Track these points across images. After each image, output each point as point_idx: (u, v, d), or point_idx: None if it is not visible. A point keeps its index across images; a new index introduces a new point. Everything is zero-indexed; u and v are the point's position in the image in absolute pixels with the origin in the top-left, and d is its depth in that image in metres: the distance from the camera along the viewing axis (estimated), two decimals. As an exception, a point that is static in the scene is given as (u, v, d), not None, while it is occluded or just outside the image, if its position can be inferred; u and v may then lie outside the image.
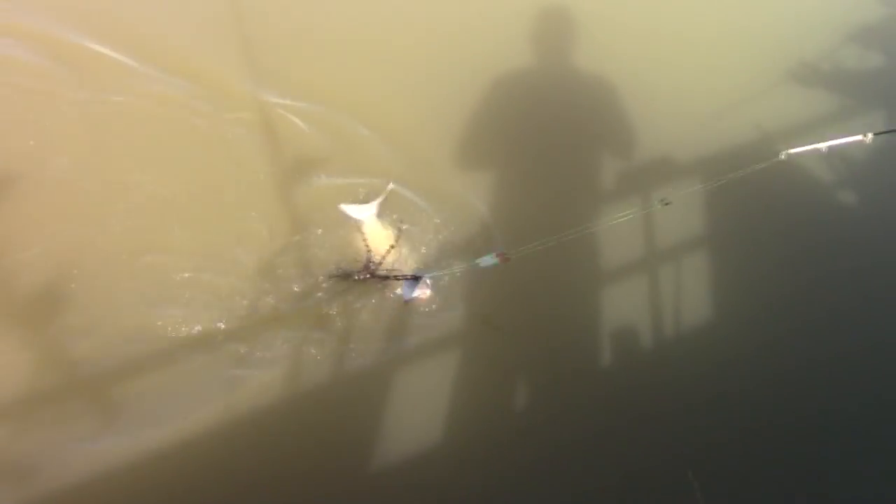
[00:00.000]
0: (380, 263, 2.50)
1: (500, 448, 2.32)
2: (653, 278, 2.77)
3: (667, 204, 2.16)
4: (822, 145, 1.99)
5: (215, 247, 2.50)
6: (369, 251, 2.54)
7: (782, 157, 2.09)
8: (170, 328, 2.28)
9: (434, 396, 2.37)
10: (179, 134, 2.76)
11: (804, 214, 3.11)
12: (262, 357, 2.30)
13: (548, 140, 3.16)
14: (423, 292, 2.44)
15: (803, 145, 2.01)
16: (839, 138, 1.96)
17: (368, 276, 2.47)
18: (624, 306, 2.69)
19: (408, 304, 2.46)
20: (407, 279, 2.43)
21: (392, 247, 2.55)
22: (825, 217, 3.13)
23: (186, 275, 2.39)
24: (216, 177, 2.69)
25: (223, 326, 2.32)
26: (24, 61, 2.76)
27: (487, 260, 2.21)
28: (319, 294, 2.46)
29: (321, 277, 2.49)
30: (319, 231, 2.61)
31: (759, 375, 2.61)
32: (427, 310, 2.51)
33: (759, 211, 3.06)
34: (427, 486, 2.22)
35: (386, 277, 2.46)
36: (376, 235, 2.61)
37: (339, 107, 2.94)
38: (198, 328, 2.30)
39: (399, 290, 2.49)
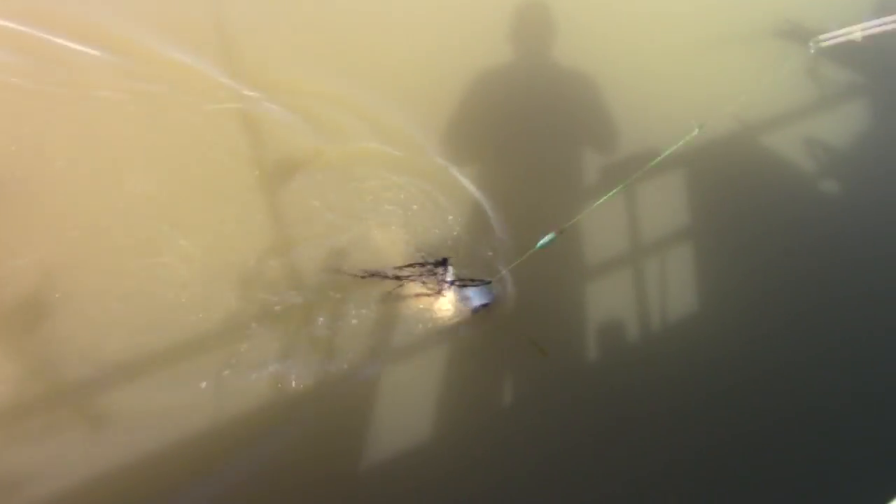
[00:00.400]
0: (442, 267, 2.35)
1: (496, 451, 2.27)
2: (645, 275, 2.71)
3: (701, 127, 2.06)
4: (856, 29, 1.90)
5: (211, 249, 2.39)
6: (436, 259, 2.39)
7: (811, 49, 2.00)
8: (159, 336, 2.22)
9: (427, 398, 2.30)
10: (169, 130, 2.65)
11: (798, 210, 3.06)
12: (257, 363, 2.24)
13: (550, 126, 3.06)
14: (491, 298, 2.30)
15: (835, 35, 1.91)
16: (875, 21, 1.87)
17: (444, 280, 2.33)
18: (621, 304, 2.62)
19: (477, 312, 2.31)
20: (476, 285, 2.28)
21: (447, 259, 2.38)
22: (817, 213, 3.09)
23: (179, 278, 2.32)
24: (211, 174, 2.58)
25: (217, 332, 2.25)
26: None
27: (547, 238, 2.07)
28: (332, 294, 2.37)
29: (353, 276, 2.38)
30: (340, 232, 2.49)
31: (758, 370, 2.58)
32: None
33: (750, 208, 3.00)
34: (424, 489, 2.19)
35: (453, 282, 2.31)
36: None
37: (334, 99, 2.84)
38: (189, 334, 2.24)
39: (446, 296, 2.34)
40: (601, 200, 2.09)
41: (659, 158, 2.12)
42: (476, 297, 2.30)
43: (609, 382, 2.44)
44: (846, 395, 2.58)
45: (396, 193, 2.65)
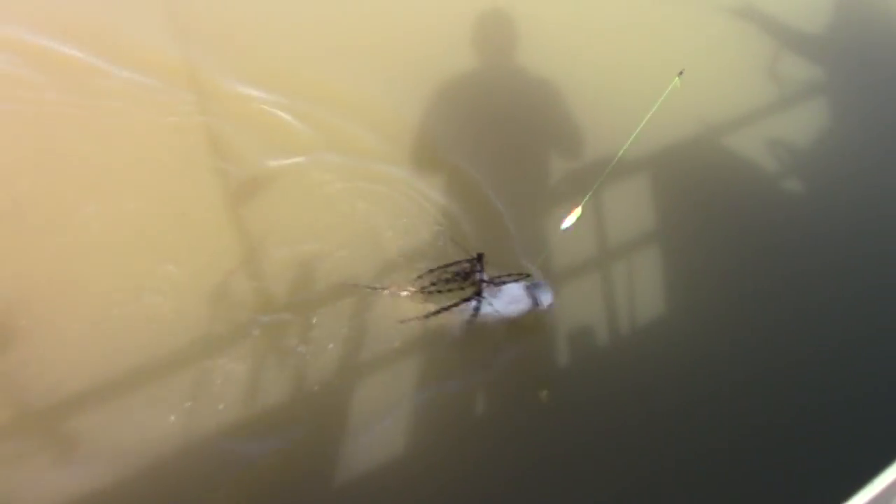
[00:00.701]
0: (474, 269, 2.23)
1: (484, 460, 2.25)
2: (617, 282, 2.69)
3: (681, 75, 2.14)
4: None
5: (186, 271, 2.35)
6: (477, 259, 2.27)
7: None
8: (128, 362, 2.20)
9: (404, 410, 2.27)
10: (132, 145, 2.59)
11: (771, 213, 3.05)
12: (236, 389, 2.21)
13: (532, 127, 3.12)
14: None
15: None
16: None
17: (482, 281, 2.23)
18: (596, 312, 2.60)
19: (549, 309, 2.28)
20: (515, 280, 2.24)
21: (482, 255, 2.29)
22: (791, 215, 3.07)
23: (150, 302, 2.29)
24: (182, 190, 2.53)
25: (191, 358, 2.23)
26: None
27: (570, 219, 2.14)
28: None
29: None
30: (329, 244, 2.46)
31: (740, 374, 2.56)
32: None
33: (724, 209, 3.01)
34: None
35: (491, 281, 2.22)
36: None
37: (317, 99, 2.83)
38: (161, 359, 2.21)
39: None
40: (607, 170, 2.17)
41: (648, 115, 2.18)
42: (543, 294, 2.21)
43: (584, 392, 2.42)
44: (825, 394, 2.54)
45: (380, 200, 2.62)
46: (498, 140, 3.03)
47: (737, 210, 3.04)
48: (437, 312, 2.33)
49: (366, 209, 2.62)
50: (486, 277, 2.25)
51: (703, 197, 3.05)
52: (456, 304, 2.28)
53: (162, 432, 2.12)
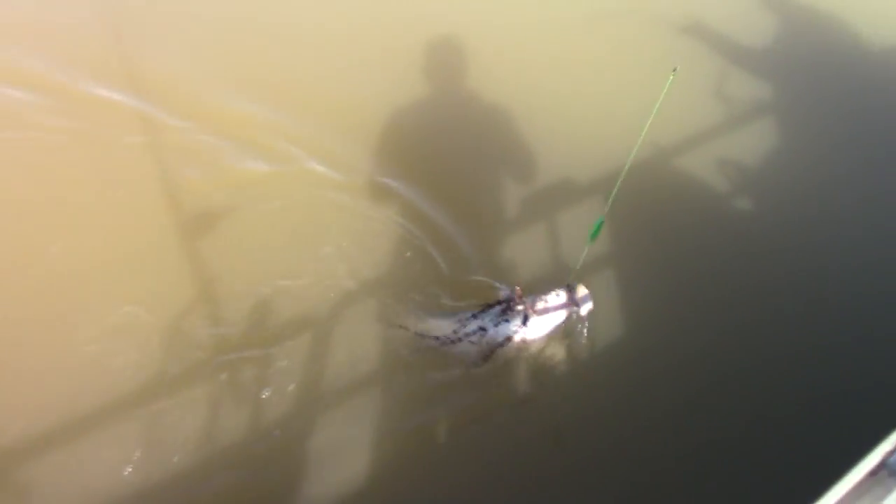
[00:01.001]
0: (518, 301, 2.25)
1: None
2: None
3: (675, 70, 2.16)
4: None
5: (154, 304, 2.28)
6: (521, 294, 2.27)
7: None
8: (83, 401, 2.11)
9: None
10: (89, 169, 2.56)
11: (717, 231, 3.10)
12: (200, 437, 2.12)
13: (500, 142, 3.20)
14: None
15: None
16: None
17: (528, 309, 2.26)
18: None
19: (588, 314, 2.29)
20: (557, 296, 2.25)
21: (517, 287, 2.31)
22: (738, 228, 3.12)
23: (110, 343, 2.20)
24: (140, 218, 2.47)
25: (156, 400, 2.15)
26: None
27: (595, 227, 2.14)
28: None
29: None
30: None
31: (692, 387, 2.52)
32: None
33: (671, 227, 3.05)
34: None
35: (534, 303, 2.22)
36: None
37: (268, 125, 2.84)
38: (118, 403, 2.13)
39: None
40: (618, 182, 2.11)
41: (650, 120, 2.16)
42: (582, 300, 2.22)
43: (564, 405, 2.38)
44: (766, 409, 2.50)
45: (351, 223, 2.60)
46: (482, 157, 3.07)
47: (686, 228, 3.07)
48: (492, 353, 2.32)
49: (340, 231, 2.60)
50: (529, 309, 2.27)
51: (651, 216, 3.04)
52: (509, 339, 2.30)
53: (117, 480, 2.03)
